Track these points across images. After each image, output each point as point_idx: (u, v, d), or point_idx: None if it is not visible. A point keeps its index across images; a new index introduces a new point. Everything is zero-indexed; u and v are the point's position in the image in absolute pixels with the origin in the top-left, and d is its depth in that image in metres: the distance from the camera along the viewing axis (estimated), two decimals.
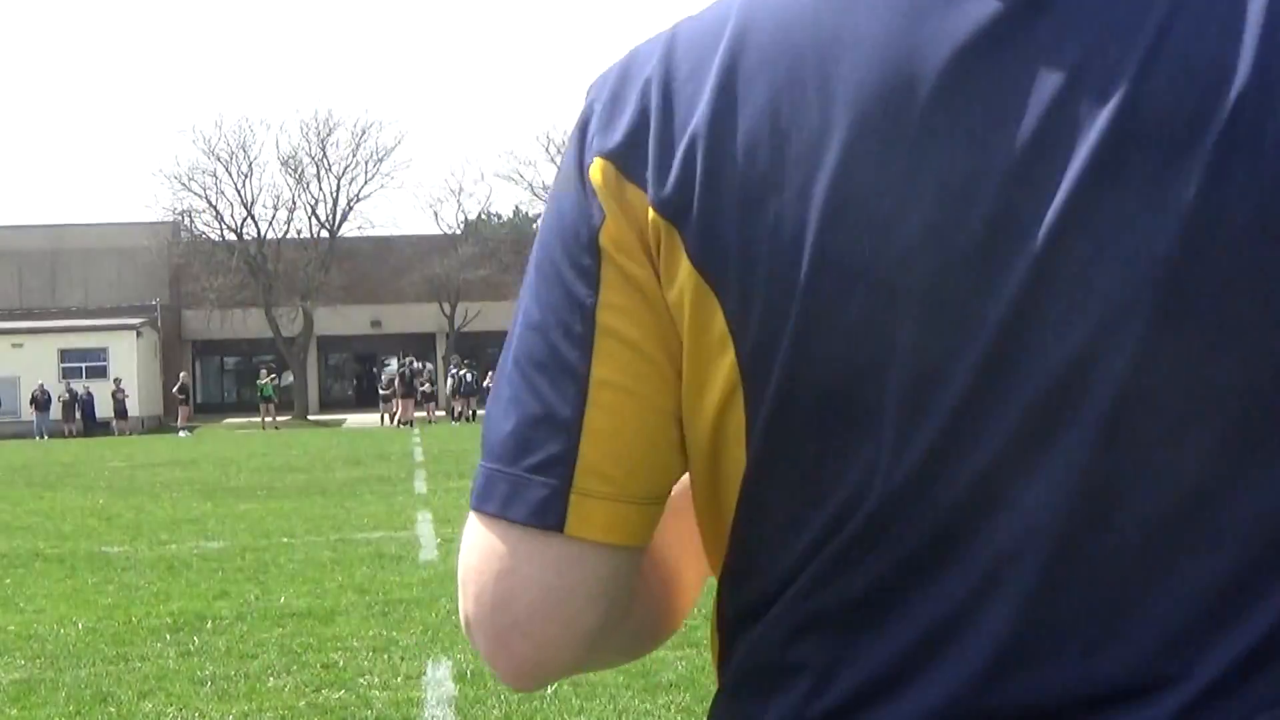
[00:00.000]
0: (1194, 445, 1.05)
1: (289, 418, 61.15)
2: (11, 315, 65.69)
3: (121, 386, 54.68)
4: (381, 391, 56.05)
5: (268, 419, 53.36)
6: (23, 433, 52.48)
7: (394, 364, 61.91)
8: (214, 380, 74.76)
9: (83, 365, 57.63)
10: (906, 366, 1.06)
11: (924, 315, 1.06)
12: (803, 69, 1.10)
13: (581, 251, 1.15)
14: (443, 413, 55.85)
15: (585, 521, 1.14)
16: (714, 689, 1.22)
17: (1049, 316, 1.04)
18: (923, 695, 1.08)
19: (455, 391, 53.54)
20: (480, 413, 53.35)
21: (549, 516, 1.14)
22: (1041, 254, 1.04)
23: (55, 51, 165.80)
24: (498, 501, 1.16)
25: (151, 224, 66.79)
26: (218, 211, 65.61)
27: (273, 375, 57.39)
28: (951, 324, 1.06)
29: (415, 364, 57.00)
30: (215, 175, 65.19)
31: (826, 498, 1.10)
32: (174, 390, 56.16)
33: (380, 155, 66.55)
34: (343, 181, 66.41)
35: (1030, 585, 1.06)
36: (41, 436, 50.96)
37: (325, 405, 70.91)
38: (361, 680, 7.85)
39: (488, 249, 68.14)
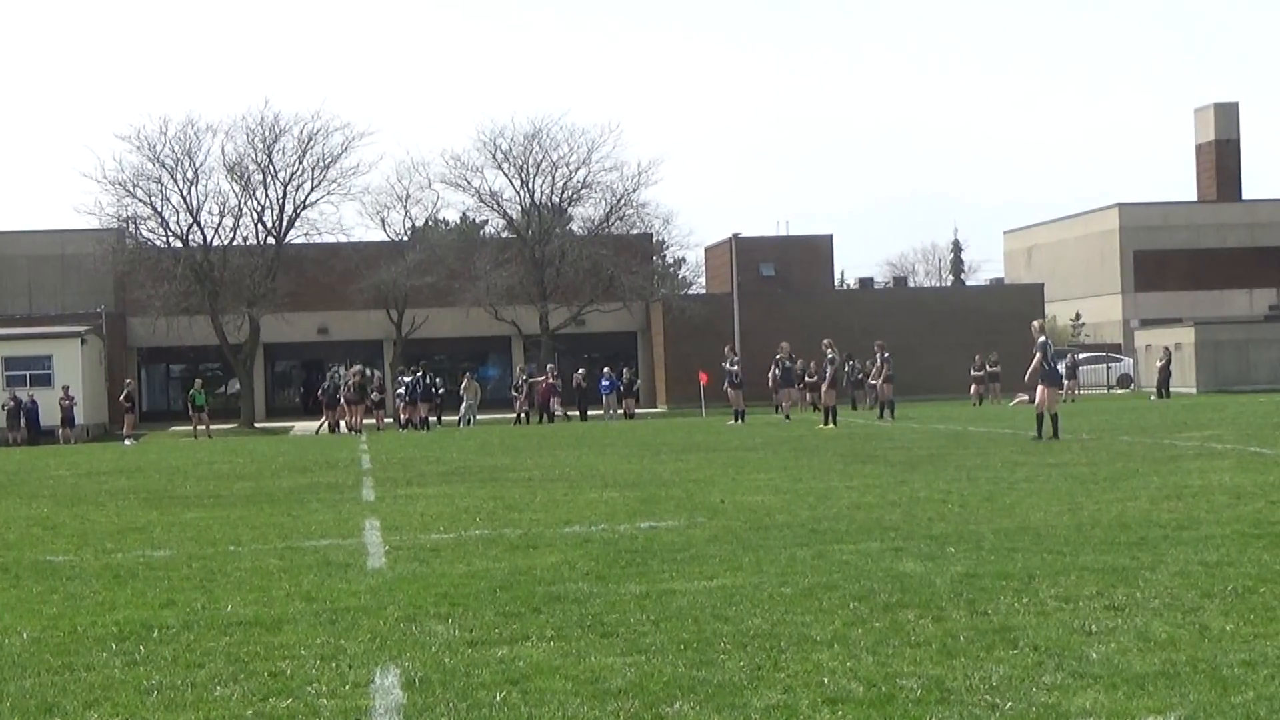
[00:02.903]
0: None
1: (235, 425, 60.77)
2: None
3: (69, 393, 54.27)
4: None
5: (200, 428, 52.83)
6: None
7: (341, 371, 61.63)
8: (159, 388, 74.29)
9: (27, 373, 57.18)
10: None
11: None
12: None
13: None
14: (390, 420, 55.60)
15: None
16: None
17: None
18: None
19: (402, 399, 53.24)
20: (432, 420, 53.14)
21: None
22: None
23: None
24: None
25: (96, 231, 66.32)
26: (163, 218, 65.23)
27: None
28: None
29: (362, 369, 56.67)
30: (160, 181, 64.76)
31: None
32: (120, 398, 55.75)
33: (326, 162, 66.24)
34: (289, 188, 66.11)
35: None
36: None
37: (272, 412, 70.60)
38: (309, 689, 7.82)
39: (435, 256, 68.00)
